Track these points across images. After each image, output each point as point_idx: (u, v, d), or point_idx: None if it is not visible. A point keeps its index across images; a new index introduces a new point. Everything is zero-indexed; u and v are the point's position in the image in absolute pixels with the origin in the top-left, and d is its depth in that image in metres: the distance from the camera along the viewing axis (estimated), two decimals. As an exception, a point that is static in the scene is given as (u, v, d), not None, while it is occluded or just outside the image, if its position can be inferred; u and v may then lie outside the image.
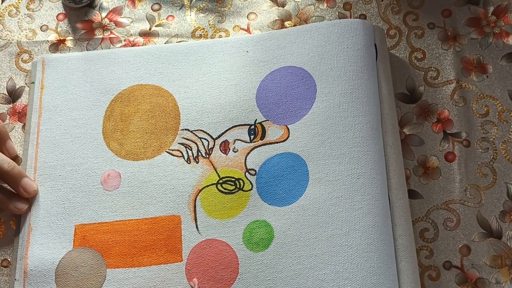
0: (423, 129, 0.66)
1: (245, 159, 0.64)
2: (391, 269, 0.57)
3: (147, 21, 0.74)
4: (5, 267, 0.64)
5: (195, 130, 0.66)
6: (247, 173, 0.63)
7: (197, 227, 0.62)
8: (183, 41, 0.73)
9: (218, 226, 0.61)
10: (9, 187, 0.65)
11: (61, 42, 0.74)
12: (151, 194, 0.63)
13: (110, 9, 0.75)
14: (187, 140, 0.65)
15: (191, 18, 0.74)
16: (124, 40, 0.73)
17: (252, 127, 0.65)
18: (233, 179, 0.63)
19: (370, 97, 0.63)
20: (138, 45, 0.72)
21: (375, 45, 0.67)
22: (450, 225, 0.62)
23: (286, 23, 0.73)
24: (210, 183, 0.63)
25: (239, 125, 0.65)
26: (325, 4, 0.73)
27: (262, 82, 0.66)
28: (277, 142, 0.64)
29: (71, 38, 0.74)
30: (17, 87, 0.72)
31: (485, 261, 0.61)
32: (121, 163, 0.65)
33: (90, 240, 0.62)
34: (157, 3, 0.75)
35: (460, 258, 0.61)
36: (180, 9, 0.75)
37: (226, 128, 0.65)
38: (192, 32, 0.73)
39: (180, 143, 0.65)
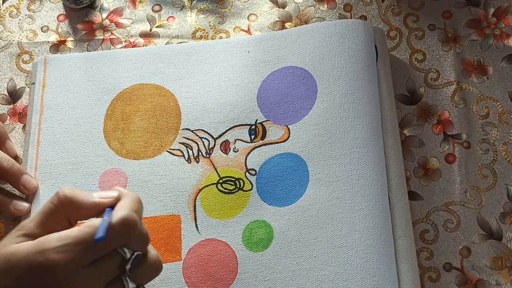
0: (424, 130, 0.66)
1: (246, 159, 0.64)
2: (391, 271, 0.57)
3: (147, 22, 0.74)
4: (4, 266, 0.63)
5: (196, 130, 0.66)
6: (247, 173, 0.63)
7: (196, 227, 0.61)
8: (184, 42, 0.73)
9: (217, 225, 0.61)
10: (8, 188, 0.65)
11: (61, 43, 0.74)
12: (151, 193, 0.63)
13: (110, 10, 0.75)
14: (188, 140, 0.65)
15: (191, 19, 0.74)
16: (125, 41, 0.73)
17: (253, 127, 0.65)
18: (233, 179, 0.63)
19: (370, 98, 0.64)
20: (139, 46, 0.72)
21: (375, 46, 0.67)
22: (450, 226, 0.62)
23: (287, 25, 0.73)
24: (210, 183, 0.63)
25: (240, 125, 0.65)
26: (326, 6, 0.73)
27: (263, 82, 0.66)
28: (277, 142, 0.64)
29: (72, 39, 0.74)
30: (18, 87, 0.72)
31: (485, 262, 0.60)
32: (122, 162, 0.65)
33: (90, 239, 0.62)
34: (158, 4, 0.75)
35: (460, 260, 0.61)
36: (180, 10, 0.75)
37: (227, 128, 0.65)
38: (192, 33, 0.73)
39: (180, 143, 0.65)
